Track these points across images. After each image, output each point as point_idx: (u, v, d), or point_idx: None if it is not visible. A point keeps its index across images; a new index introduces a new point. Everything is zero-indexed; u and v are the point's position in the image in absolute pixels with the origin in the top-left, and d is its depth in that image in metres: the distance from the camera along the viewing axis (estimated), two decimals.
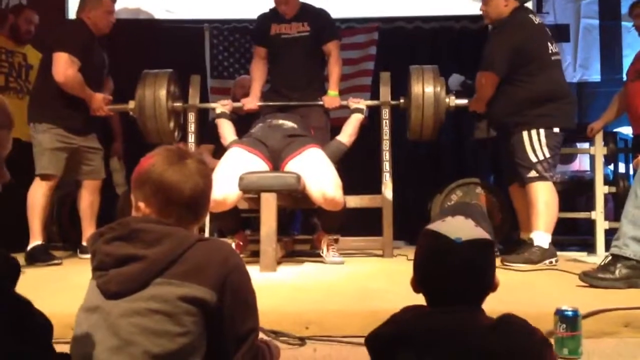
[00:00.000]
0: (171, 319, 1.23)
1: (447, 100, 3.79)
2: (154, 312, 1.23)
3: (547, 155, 3.34)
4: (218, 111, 3.90)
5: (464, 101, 3.82)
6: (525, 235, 3.48)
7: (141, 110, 3.82)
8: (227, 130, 3.77)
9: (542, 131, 3.35)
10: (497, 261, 3.28)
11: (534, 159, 3.34)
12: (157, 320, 1.23)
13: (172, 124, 3.90)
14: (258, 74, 4.10)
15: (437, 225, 1.26)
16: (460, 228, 1.24)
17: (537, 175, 3.33)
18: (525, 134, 3.37)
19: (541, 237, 3.27)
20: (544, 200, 3.30)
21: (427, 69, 3.83)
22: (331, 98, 3.93)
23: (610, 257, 2.54)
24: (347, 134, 3.71)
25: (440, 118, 3.77)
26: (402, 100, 3.90)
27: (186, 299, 1.24)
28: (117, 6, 3.98)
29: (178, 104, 3.98)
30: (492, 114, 3.64)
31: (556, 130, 3.39)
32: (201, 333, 1.26)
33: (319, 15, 4.08)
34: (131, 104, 3.88)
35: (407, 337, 1.18)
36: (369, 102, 3.96)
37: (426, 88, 3.73)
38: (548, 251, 3.25)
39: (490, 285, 1.27)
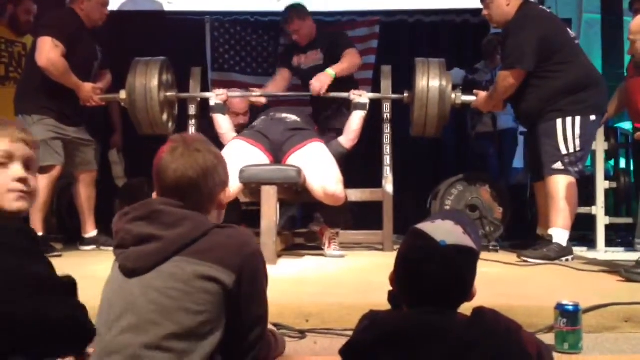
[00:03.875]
0: (189, 297, 1.25)
1: (452, 96, 3.64)
2: (172, 289, 1.25)
3: (577, 148, 3.25)
4: (212, 103, 3.78)
5: (471, 98, 3.69)
6: (543, 231, 3.43)
7: (132, 102, 3.69)
8: (224, 126, 3.71)
9: (577, 119, 3.24)
10: (514, 257, 3.27)
11: (563, 150, 3.24)
12: (175, 298, 1.25)
13: (165, 116, 3.79)
14: (274, 84, 4.20)
15: (425, 226, 1.27)
16: (447, 232, 1.24)
17: (562, 168, 3.24)
18: (559, 121, 3.25)
19: (560, 234, 3.22)
20: (564, 195, 3.22)
21: (433, 62, 3.67)
22: (326, 75, 3.80)
23: None
24: (348, 138, 3.67)
25: (444, 115, 3.63)
26: (405, 95, 3.81)
27: (204, 277, 1.26)
28: None
29: (171, 94, 3.86)
30: (524, 109, 3.45)
31: (593, 118, 3.29)
32: (219, 314, 1.28)
33: (330, 38, 4.17)
34: (122, 94, 3.74)
35: (391, 341, 1.18)
36: (372, 95, 3.87)
37: (431, 82, 3.58)
38: (566, 249, 3.22)
39: (467, 293, 1.27)
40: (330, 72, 3.83)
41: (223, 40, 5.45)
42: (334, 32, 4.28)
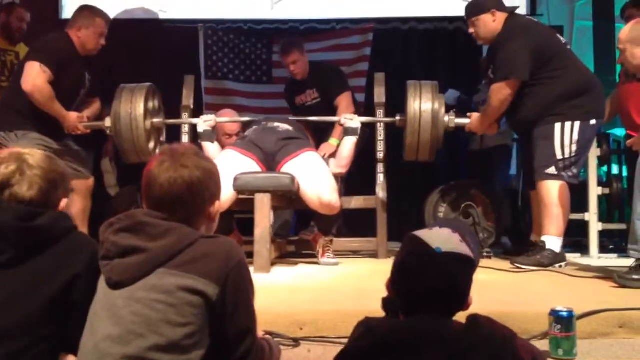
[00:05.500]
0: (173, 309, 1.24)
1: (446, 119, 3.55)
2: (155, 301, 1.25)
3: (573, 153, 3.22)
4: (200, 129, 3.66)
5: (464, 121, 3.61)
6: (536, 237, 3.42)
7: (117, 131, 3.63)
8: (213, 155, 3.52)
9: (577, 124, 3.21)
10: (507, 264, 3.26)
11: (559, 155, 3.22)
12: (158, 310, 1.24)
13: (151, 144, 3.72)
14: None
15: (421, 233, 1.28)
16: (443, 239, 1.25)
17: (555, 173, 3.22)
18: (558, 125, 3.22)
19: (553, 241, 3.21)
20: (557, 202, 3.20)
21: (425, 84, 3.58)
22: (329, 146, 3.99)
23: (637, 262, 2.57)
24: (339, 164, 3.60)
25: (438, 139, 3.55)
26: (398, 118, 3.73)
27: (188, 289, 1.26)
28: (111, 6, 3.93)
29: (158, 120, 3.79)
30: (521, 116, 3.39)
31: (593, 122, 3.26)
32: (203, 326, 1.27)
33: (323, 76, 4.29)
34: (107, 122, 3.67)
35: (386, 348, 1.18)
36: (363, 119, 3.78)
37: (424, 106, 3.48)
38: (559, 256, 3.21)
39: (462, 302, 1.27)
40: (333, 143, 4.00)
41: (216, 48, 5.44)
42: (325, 69, 4.40)
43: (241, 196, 3.30)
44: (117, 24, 5.11)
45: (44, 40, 3.62)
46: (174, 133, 3.96)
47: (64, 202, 1.52)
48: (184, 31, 5.46)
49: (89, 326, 1.30)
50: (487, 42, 3.54)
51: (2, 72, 4.15)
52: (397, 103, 3.87)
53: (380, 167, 3.83)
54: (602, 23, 5.51)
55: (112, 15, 3.95)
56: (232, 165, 3.28)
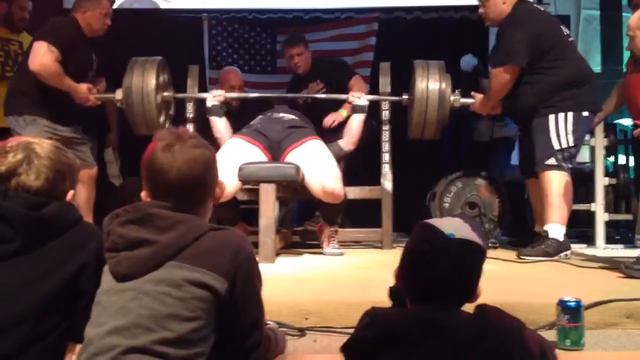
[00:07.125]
0: (181, 303, 1.23)
1: (451, 99, 3.60)
2: (164, 295, 1.23)
3: (571, 143, 3.25)
4: (209, 104, 3.72)
5: (469, 100, 3.66)
6: (540, 227, 3.42)
7: (129, 103, 3.64)
8: (221, 130, 3.65)
9: (570, 115, 3.25)
10: (513, 254, 3.26)
11: (556, 146, 3.25)
12: (167, 304, 1.23)
13: (162, 117, 3.73)
14: None
15: (433, 220, 1.28)
16: (455, 227, 1.25)
17: (555, 163, 3.24)
18: (552, 117, 3.26)
19: (556, 229, 3.22)
20: (559, 192, 3.22)
21: (432, 64, 3.64)
22: (338, 115, 4.04)
23: None
24: (349, 140, 3.66)
25: (444, 117, 3.60)
26: (404, 97, 3.78)
27: (196, 283, 1.24)
28: None
29: (168, 94, 3.81)
30: (518, 106, 3.44)
31: (586, 114, 3.30)
32: (211, 320, 1.26)
33: (327, 66, 4.33)
34: (118, 94, 3.69)
35: (393, 338, 1.17)
36: (371, 97, 3.84)
37: (431, 86, 3.54)
38: (563, 244, 3.21)
39: (472, 291, 1.26)
40: (344, 114, 4.04)
41: (221, 38, 5.42)
42: (329, 59, 4.51)
43: (246, 186, 3.30)
44: (120, 13, 5.10)
45: (50, 23, 3.59)
46: (181, 112, 3.95)
47: (70, 194, 1.51)
48: (188, 21, 5.43)
49: (94, 317, 1.29)
50: (495, 24, 3.56)
51: (6, 61, 4.13)
52: (402, 92, 3.85)
53: (385, 157, 3.82)
54: (609, 12, 5.46)
55: (115, 4, 3.93)
56: (237, 154, 3.30)
